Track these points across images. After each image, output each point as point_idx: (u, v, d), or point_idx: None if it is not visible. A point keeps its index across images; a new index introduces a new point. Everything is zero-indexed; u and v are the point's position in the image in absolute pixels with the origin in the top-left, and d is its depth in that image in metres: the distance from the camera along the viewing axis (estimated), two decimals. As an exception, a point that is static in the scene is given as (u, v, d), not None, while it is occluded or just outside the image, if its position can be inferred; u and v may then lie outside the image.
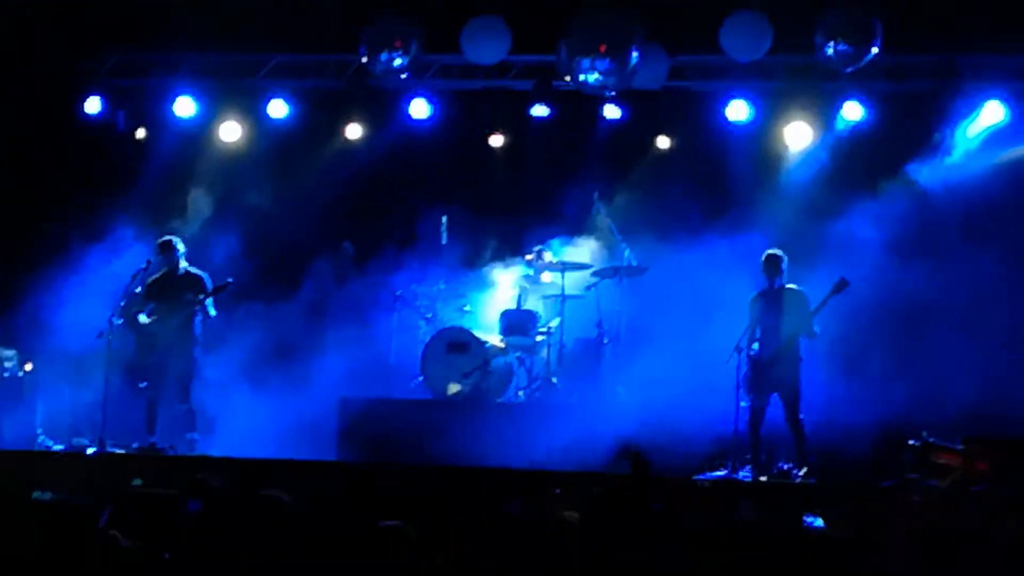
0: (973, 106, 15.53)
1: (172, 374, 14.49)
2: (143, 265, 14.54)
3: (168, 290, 14.59)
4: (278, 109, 16.84)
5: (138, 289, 14.47)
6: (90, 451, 14.11)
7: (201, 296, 14.38)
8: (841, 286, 13.57)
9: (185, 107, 16.89)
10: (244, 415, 14.86)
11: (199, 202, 16.76)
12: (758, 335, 13.99)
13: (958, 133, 15.68)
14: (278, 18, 16.01)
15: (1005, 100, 15.41)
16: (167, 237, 14.85)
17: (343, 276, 16.81)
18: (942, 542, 7.21)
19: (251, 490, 7.12)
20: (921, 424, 13.36)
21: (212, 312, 14.56)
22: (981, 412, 13.81)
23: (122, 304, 14.37)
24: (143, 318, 14.45)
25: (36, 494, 8.56)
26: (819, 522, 10.09)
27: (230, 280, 14.60)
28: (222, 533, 6.40)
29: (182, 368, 14.52)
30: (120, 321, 14.39)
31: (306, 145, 17.23)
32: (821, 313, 13.70)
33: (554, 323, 15.70)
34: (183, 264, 14.70)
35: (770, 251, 14.30)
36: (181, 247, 14.74)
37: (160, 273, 14.66)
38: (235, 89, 16.95)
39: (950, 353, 14.85)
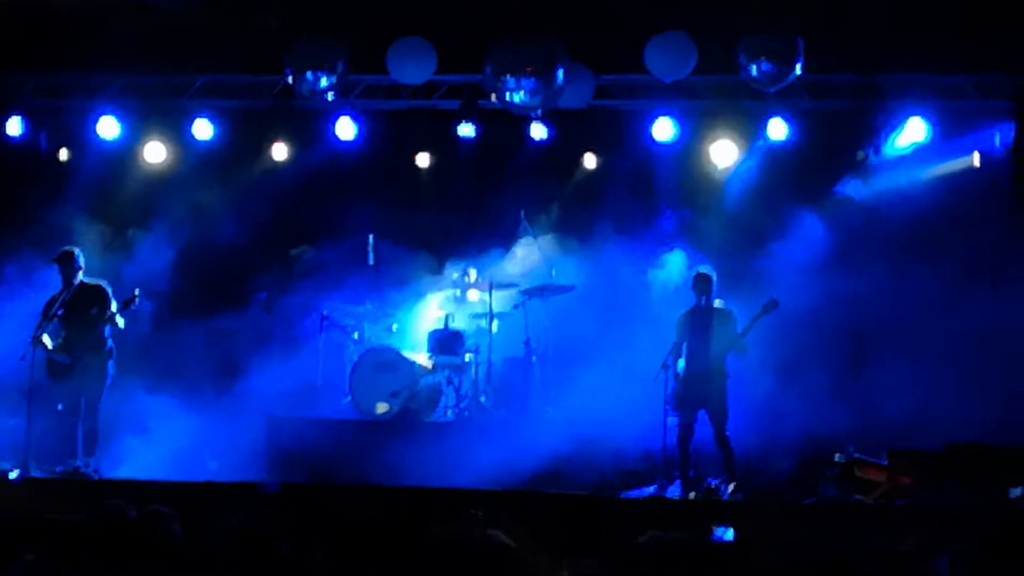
0: (895, 124, 15.70)
1: (84, 393, 14.21)
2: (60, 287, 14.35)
3: (71, 307, 14.17)
4: (203, 130, 16.67)
5: (50, 312, 14.22)
6: (12, 475, 13.87)
7: (108, 312, 14.08)
8: (771, 307, 13.65)
9: (109, 128, 16.66)
10: (170, 433, 14.67)
11: (123, 223, 16.60)
12: (685, 352, 14.05)
13: (882, 150, 15.86)
14: (203, 38, 15.88)
15: (927, 118, 15.57)
16: (66, 248, 14.46)
17: (270, 296, 16.68)
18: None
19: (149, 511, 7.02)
20: (851, 439, 13.45)
21: (121, 325, 14.25)
22: (911, 428, 13.90)
23: (36, 326, 14.16)
24: (46, 339, 14.21)
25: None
26: (729, 534, 10.14)
27: (137, 291, 14.26)
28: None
29: (93, 386, 14.21)
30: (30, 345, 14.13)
31: (232, 165, 17.07)
32: (751, 331, 13.77)
33: (482, 341, 15.68)
34: (79, 277, 14.30)
35: (699, 269, 14.39)
36: (81, 260, 14.40)
37: (60, 290, 14.29)
38: (160, 109, 16.78)
39: (880, 369, 14.99)
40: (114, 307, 14.10)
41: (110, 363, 14.26)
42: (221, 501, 11.62)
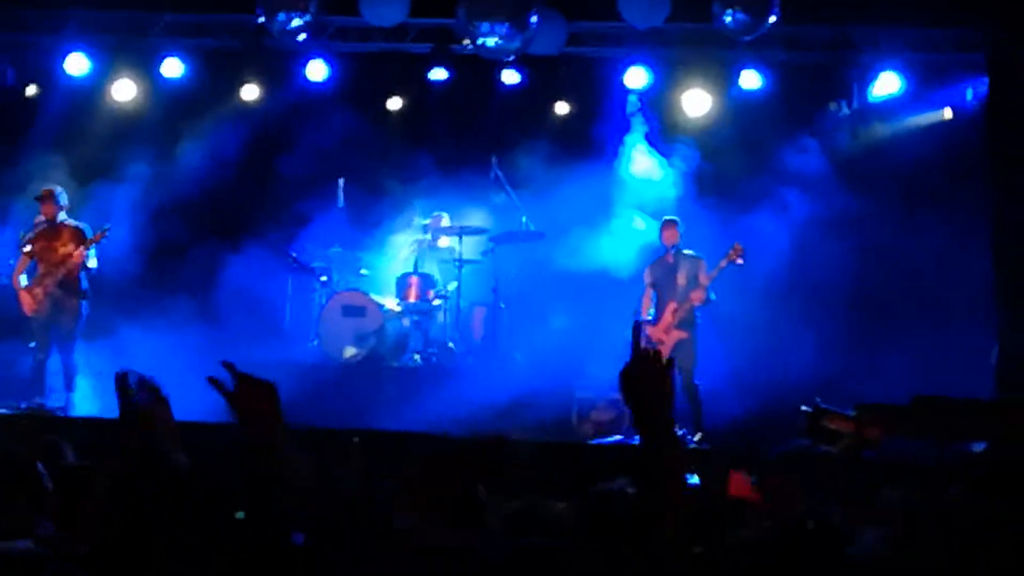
0: (870, 77, 15.71)
1: (58, 331, 14.24)
2: (33, 223, 14.31)
3: (49, 245, 14.21)
4: (173, 68, 16.49)
5: (27, 248, 14.23)
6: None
7: (85, 254, 14.09)
8: (737, 252, 13.69)
9: (77, 64, 16.46)
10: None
11: (92, 162, 16.46)
12: (654, 300, 14.07)
13: (855, 103, 15.88)
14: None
15: (900, 71, 15.58)
16: (47, 186, 14.45)
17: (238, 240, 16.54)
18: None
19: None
20: (819, 392, 13.48)
21: (94, 264, 14.23)
22: (876, 382, 13.95)
23: (11, 263, 14.17)
24: (23, 279, 14.20)
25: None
26: (695, 479, 10.15)
27: (107, 227, 14.23)
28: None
29: (67, 325, 14.23)
30: (7, 282, 14.18)
31: (202, 105, 16.87)
32: (718, 279, 13.82)
33: (451, 287, 15.66)
34: (62, 216, 14.34)
35: (667, 216, 14.41)
36: (63, 199, 14.38)
37: (40, 228, 14.30)
38: (128, 47, 16.58)
39: (852, 327, 15.07)
40: (92, 252, 14.12)
41: (83, 303, 14.27)
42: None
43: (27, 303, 14.19)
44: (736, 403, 14.06)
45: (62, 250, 14.15)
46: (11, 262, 14.26)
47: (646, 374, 3.99)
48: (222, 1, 16.13)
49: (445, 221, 16.07)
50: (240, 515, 4.03)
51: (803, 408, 13.06)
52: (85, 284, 14.28)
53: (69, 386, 14.19)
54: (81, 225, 14.36)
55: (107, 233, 14.15)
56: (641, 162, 16.36)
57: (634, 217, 15.91)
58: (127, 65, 16.62)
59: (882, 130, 15.90)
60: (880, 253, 15.28)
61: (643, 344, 4.00)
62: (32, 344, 14.27)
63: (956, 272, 14.75)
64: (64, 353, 14.24)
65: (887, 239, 15.20)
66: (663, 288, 14.05)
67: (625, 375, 4.00)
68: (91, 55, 16.43)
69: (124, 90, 16.72)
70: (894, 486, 8.44)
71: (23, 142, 16.46)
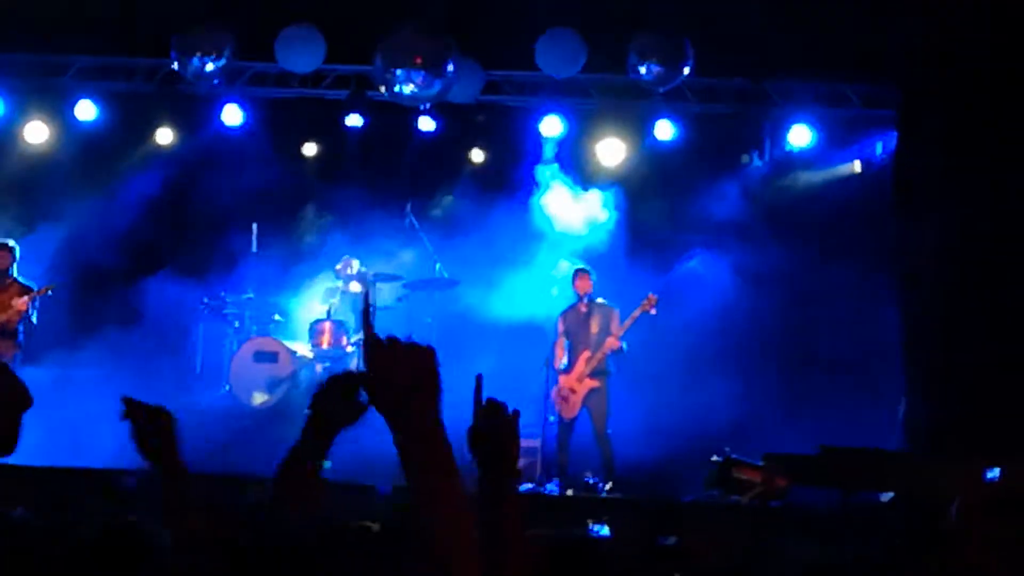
0: (782, 129, 15.90)
1: None
2: None
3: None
4: (86, 111, 16.39)
5: None
6: None
7: (27, 312, 14.08)
8: (651, 302, 13.77)
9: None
10: (47, 419, 14.39)
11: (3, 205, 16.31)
12: (568, 349, 14.10)
13: (767, 154, 16.06)
14: (86, 20, 15.58)
15: (812, 124, 15.77)
16: (3, 240, 14.53)
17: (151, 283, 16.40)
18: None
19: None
20: (727, 442, 13.56)
21: (34, 320, 14.23)
22: (786, 432, 14.04)
23: None
24: None
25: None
26: (605, 530, 10.18)
27: (56, 284, 14.25)
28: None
29: None
30: None
31: (115, 149, 16.76)
32: (632, 329, 13.88)
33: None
34: (13, 271, 14.36)
35: (579, 266, 14.47)
36: (16, 253, 14.42)
37: None
38: (42, 89, 16.46)
39: (766, 376, 15.17)
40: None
41: (17, 355, 14.19)
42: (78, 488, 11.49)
43: None
44: (648, 452, 14.08)
45: (6, 304, 14.10)
46: None
47: (494, 428, 3.97)
48: (137, 45, 16.01)
49: (356, 266, 16.00)
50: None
51: (713, 458, 13.24)
52: (22, 339, 14.25)
53: None
54: (32, 284, 14.45)
55: (50, 292, 14.16)
56: (558, 209, 16.40)
57: (559, 261, 15.91)
58: (40, 107, 16.47)
59: (795, 181, 16.08)
60: (795, 303, 15.43)
61: (483, 399, 3.98)
62: None
63: (868, 322, 14.91)
64: None
65: (802, 289, 15.37)
66: (576, 337, 14.08)
67: (473, 431, 3.97)
68: (3, 96, 16.27)
69: (37, 132, 16.55)
70: (799, 541, 8.53)
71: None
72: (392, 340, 3.43)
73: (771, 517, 11.95)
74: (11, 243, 14.48)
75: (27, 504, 6.88)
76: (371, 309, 3.83)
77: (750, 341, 15.42)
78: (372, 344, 3.40)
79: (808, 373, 15.26)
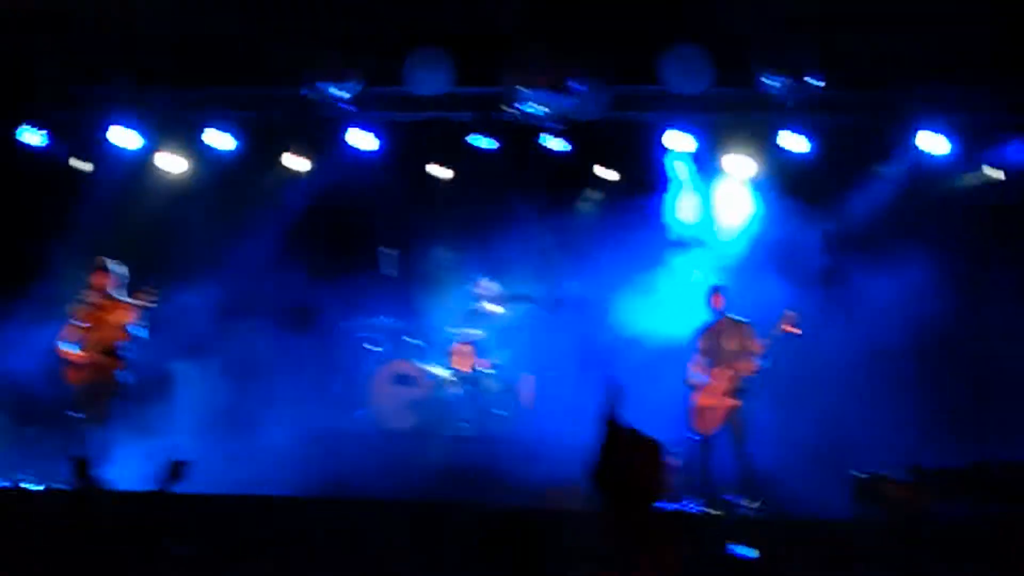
0: (911, 139, 15.71)
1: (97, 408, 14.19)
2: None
3: (96, 316, 14.34)
4: (222, 141, 16.67)
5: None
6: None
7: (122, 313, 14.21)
8: (790, 319, 13.66)
9: (125, 138, 16.66)
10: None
11: (142, 233, 16.57)
12: (706, 367, 14.06)
13: (899, 164, 15.91)
14: (221, 51, 15.84)
15: (945, 133, 15.57)
16: (102, 259, 14.59)
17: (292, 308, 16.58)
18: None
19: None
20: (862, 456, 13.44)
21: (145, 334, 14.34)
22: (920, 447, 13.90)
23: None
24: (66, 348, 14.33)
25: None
26: (752, 552, 10.08)
27: (150, 290, 14.39)
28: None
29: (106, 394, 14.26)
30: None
31: (250, 177, 17.05)
32: (771, 346, 13.79)
33: (500, 355, 15.69)
34: (109, 288, 14.43)
35: (714, 282, 14.47)
36: (118, 273, 14.53)
37: (80, 297, 14.45)
38: (175, 120, 16.74)
39: (906, 393, 15.02)
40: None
41: (122, 372, 14.29)
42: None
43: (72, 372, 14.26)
44: (788, 469, 14.00)
45: (105, 322, 14.25)
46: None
47: (634, 457, 3.99)
48: (269, 75, 16.19)
49: (492, 288, 16.09)
50: None
51: (854, 473, 13.09)
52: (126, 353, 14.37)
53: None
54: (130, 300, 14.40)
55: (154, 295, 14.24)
56: (689, 221, 16.39)
57: (692, 272, 15.89)
58: (174, 138, 16.75)
59: (934, 189, 15.90)
60: (940, 317, 15.19)
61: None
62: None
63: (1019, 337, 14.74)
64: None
65: (948, 303, 15.15)
66: (714, 354, 14.05)
67: (604, 466, 3.99)
68: (138, 129, 16.56)
69: (172, 162, 16.84)
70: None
71: (78, 214, 16.57)
72: (633, 432, 3.54)
73: (923, 535, 11.80)
74: (110, 263, 14.54)
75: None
76: (618, 393, 3.90)
77: (895, 357, 15.24)
78: (614, 432, 3.50)
79: (957, 387, 15.08)
